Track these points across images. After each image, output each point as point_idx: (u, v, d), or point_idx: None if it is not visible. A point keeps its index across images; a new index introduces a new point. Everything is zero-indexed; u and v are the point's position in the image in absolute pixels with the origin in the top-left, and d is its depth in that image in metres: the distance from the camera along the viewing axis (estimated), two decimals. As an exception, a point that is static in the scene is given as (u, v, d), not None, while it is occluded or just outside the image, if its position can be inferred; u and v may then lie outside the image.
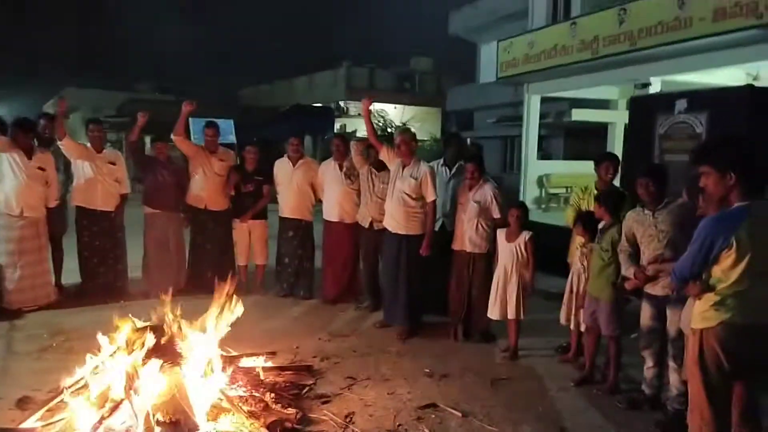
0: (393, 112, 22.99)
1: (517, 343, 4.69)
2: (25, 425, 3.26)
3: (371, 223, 5.62)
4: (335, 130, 18.94)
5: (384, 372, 4.31)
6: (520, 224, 4.65)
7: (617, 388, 4.02)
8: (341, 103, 22.96)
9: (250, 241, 6.33)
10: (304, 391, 3.90)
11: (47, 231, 5.78)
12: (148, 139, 11.76)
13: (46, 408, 3.39)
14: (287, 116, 19.02)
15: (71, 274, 6.21)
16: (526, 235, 4.61)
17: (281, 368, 4.19)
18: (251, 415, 3.44)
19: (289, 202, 6.17)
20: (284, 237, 6.24)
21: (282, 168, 6.22)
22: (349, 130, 20.00)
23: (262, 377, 3.92)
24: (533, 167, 11.62)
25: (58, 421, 3.27)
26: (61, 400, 3.40)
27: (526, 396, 3.98)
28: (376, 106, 22.13)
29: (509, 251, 4.64)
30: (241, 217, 6.21)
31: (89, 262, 5.99)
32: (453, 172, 5.52)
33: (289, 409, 3.55)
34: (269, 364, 4.22)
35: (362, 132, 5.57)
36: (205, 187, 6.12)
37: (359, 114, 21.03)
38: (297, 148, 6.23)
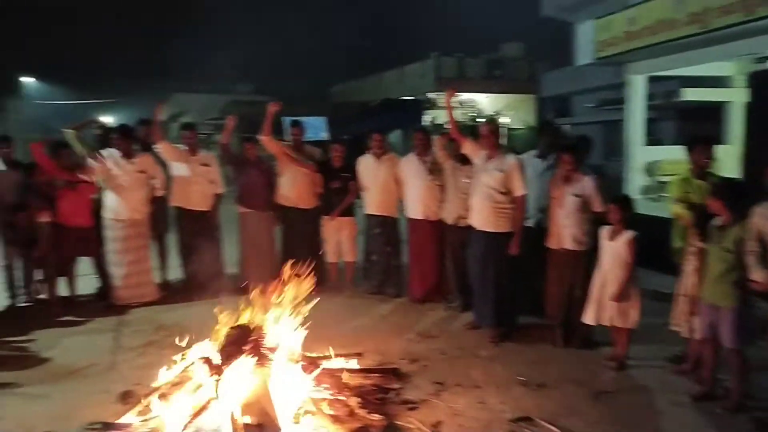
0: (484, 102, 22.37)
1: (625, 352, 4.28)
2: (123, 420, 3.40)
3: (457, 220, 5.40)
4: (425, 123, 18.73)
5: (474, 378, 4.09)
6: (621, 221, 4.22)
7: (742, 407, 3.53)
8: (431, 95, 22.68)
9: (340, 239, 6.32)
10: (390, 395, 3.78)
11: (150, 231, 6.10)
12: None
13: (143, 404, 3.52)
14: (377, 111, 19.10)
15: (175, 271, 6.54)
16: (627, 235, 4.18)
17: (367, 371, 4.10)
18: (336, 420, 3.37)
19: (374, 198, 6.09)
20: (371, 234, 6.17)
21: (366, 164, 6.14)
22: (439, 122, 19.71)
23: (347, 380, 3.85)
24: (640, 153, 10.84)
25: (153, 417, 3.37)
26: (158, 397, 3.51)
27: (634, 411, 3.62)
28: (465, 97, 21.67)
29: (610, 251, 4.24)
30: (329, 215, 6.21)
31: (188, 260, 6.26)
32: (548, 163, 5.17)
33: (375, 415, 3.44)
34: (355, 365, 4.14)
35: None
36: (294, 185, 6.17)
37: (449, 105, 20.63)
38: (380, 144, 6.12)
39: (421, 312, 5.65)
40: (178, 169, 6.14)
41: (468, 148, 5.08)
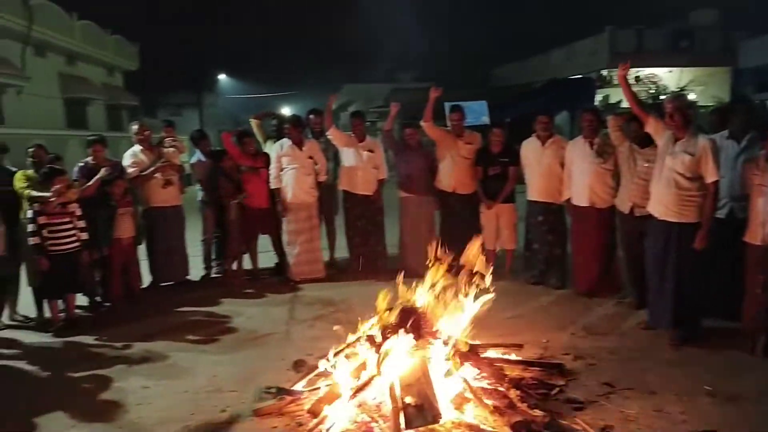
0: (667, 77, 20.18)
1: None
2: (296, 387, 3.67)
3: (632, 209, 4.93)
4: (596, 103, 17.43)
5: (650, 383, 3.71)
6: None
7: None
8: (603, 72, 21.01)
9: (498, 225, 6.15)
10: (553, 392, 3.59)
11: (319, 213, 6.52)
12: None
13: (314, 373, 3.77)
14: (542, 92, 18.23)
15: (342, 251, 6.90)
16: None
17: (528, 363, 3.94)
18: (495, 410, 3.29)
19: (537, 184, 5.81)
20: (533, 221, 5.91)
21: (530, 148, 5.86)
22: (612, 101, 18.22)
23: (507, 371, 3.73)
24: None
25: (321, 387, 3.59)
26: (325, 369, 3.73)
27: None
28: (645, 71, 19.72)
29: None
30: (488, 203, 6.06)
31: (353, 241, 6.59)
32: (743, 145, 4.50)
33: (536, 410, 3.30)
34: (515, 357, 4.01)
35: (627, 103, 4.90)
36: (453, 171, 6.15)
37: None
38: (546, 126, 5.79)
39: (586, 306, 5.29)
40: (346, 154, 6.46)
41: (652, 126, 4.53)
